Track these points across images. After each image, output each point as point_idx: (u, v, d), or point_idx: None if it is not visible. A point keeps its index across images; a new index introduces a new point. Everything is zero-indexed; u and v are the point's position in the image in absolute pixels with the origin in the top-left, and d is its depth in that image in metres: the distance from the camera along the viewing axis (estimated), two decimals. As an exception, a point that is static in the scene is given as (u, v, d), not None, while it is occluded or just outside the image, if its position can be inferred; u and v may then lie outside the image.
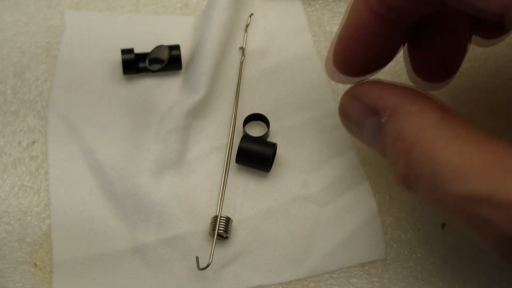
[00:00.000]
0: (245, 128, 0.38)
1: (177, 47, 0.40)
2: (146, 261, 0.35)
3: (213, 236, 0.35)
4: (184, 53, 0.40)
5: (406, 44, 0.33)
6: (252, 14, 0.42)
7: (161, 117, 0.38)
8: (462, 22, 0.33)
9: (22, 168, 0.38)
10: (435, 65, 0.33)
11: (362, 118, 0.31)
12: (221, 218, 0.35)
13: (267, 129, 0.38)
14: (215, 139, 0.38)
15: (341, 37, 0.33)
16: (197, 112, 0.39)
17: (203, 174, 0.37)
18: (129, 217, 0.36)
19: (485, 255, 0.36)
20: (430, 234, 0.37)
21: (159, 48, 0.40)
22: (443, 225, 0.37)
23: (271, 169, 0.37)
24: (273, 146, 0.37)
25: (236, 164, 0.37)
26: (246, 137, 0.37)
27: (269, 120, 0.38)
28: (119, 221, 0.36)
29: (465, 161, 0.25)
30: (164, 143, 0.37)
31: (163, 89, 0.40)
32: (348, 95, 0.33)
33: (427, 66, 0.33)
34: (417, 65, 0.33)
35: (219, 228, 0.35)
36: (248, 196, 0.37)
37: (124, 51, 0.39)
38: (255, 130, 0.39)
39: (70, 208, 0.36)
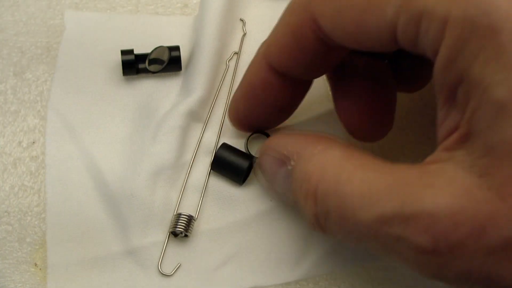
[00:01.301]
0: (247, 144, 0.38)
1: (176, 48, 0.40)
2: (140, 263, 0.35)
3: (173, 235, 0.35)
4: (184, 54, 0.40)
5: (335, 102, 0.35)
6: (244, 21, 0.42)
7: (158, 119, 0.38)
8: (380, 69, 0.34)
9: (22, 168, 0.38)
10: (364, 121, 0.34)
11: (274, 171, 0.32)
12: (183, 216, 0.35)
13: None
14: (211, 142, 0.38)
15: (237, 96, 0.35)
16: (195, 114, 0.39)
17: (200, 176, 0.37)
18: (125, 218, 0.36)
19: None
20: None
21: (158, 49, 0.40)
22: (442, 226, 0.37)
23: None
24: (250, 158, 0.36)
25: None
26: (224, 146, 0.37)
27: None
28: (114, 223, 0.36)
29: (369, 187, 0.25)
30: (160, 144, 0.37)
31: (162, 90, 0.40)
32: (260, 150, 0.34)
33: (356, 123, 0.34)
34: (347, 122, 0.34)
35: (178, 225, 0.35)
36: (243, 197, 0.37)
37: (124, 52, 0.39)
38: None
39: (66, 209, 0.36)
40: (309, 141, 0.30)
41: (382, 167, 0.26)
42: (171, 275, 0.35)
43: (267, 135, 0.37)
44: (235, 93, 0.35)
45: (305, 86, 0.34)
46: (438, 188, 0.23)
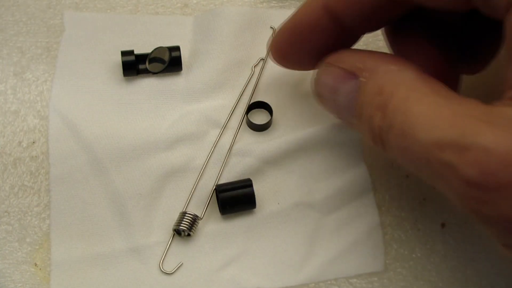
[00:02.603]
0: (248, 115, 0.38)
1: (177, 49, 0.40)
2: (144, 262, 0.35)
3: (176, 233, 0.35)
4: (184, 54, 0.40)
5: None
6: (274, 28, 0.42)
7: (170, 122, 0.39)
8: (443, 33, 0.34)
9: (22, 168, 0.38)
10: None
11: (339, 83, 0.32)
12: (187, 215, 0.35)
13: (270, 117, 0.39)
14: (224, 147, 0.38)
15: (286, 28, 0.34)
16: (210, 119, 0.39)
17: (210, 179, 0.37)
18: (130, 217, 0.36)
19: (485, 255, 0.36)
20: (430, 234, 0.37)
21: (159, 49, 0.40)
22: (443, 225, 0.37)
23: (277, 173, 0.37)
24: (250, 184, 0.36)
25: (240, 165, 0.37)
26: (222, 189, 0.36)
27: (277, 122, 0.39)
28: (119, 221, 0.36)
29: (435, 111, 0.26)
30: (174, 149, 0.38)
31: (164, 91, 0.40)
32: (324, 64, 0.33)
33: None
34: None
35: (182, 224, 0.35)
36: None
37: (124, 53, 0.39)
38: (258, 118, 0.39)
39: (70, 207, 0.36)
40: (384, 59, 0.31)
41: (452, 96, 0.27)
42: (172, 273, 0.35)
43: (270, 112, 0.38)
44: (283, 25, 0.34)
45: (353, 38, 0.34)
46: (498, 126, 0.24)
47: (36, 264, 0.35)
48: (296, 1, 0.43)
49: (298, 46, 0.34)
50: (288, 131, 0.39)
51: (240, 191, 0.36)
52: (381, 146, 0.29)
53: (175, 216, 0.36)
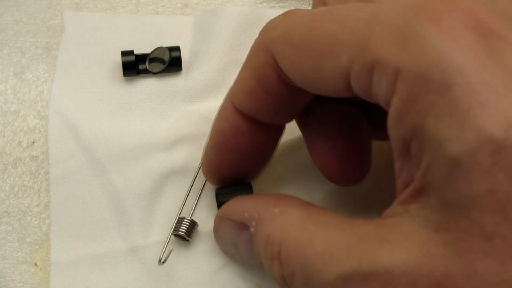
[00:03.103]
0: None
1: (177, 49, 0.40)
2: (143, 262, 0.35)
3: (176, 236, 0.35)
4: (184, 53, 0.40)
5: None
6: None
7: (170, 124, 0.39)
8: (351, 113, 0.33)
9: (22, 168, 0.38)
10: (339, 165, 0.33)
11: (235, 236, 0.31)
12: (186, 220, 0.35)
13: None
14: None
15: (209, 146, 0.34)
16: (207, 120, 0.39)
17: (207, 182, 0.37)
18: (129, 217, 0.36)
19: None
20: (430, 234, 0.37)
21: (159, 49, 0.40)
22: (443, 225, 0.37)
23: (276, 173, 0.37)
24: (250, 188, 0.35)
25: None
26: (221, 192, 0.36)
27: None
28: (119, 221, 0.36)
29: (329, 246, 0.25)
30: (174, 150, 0.38)
31: (164, 90, 0.40)
32: (217, 218, 0.33)
33: (332, 168, 0.33)
34: (322, 167, 0.34)
35: (181, 229, 0.35)
36: None
37: (124, 53, 0.39)
38: None
39: (70, 207, 0.36)
40: (268, 203, 0.30)
41: (341, 223, 0.26)
42: (164, 263, 0.35)
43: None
44: (206, 145, 0.34)
45: (277, 131, 0.34)
46: (394, 243, 0.23)
47: (36, 264, 0.35)
48: (296, 1, 0.43)
49: (228, 157, 0.33)
50: (287, 131, 0.39)
51: (239, 194, 0.35)
52: None
53: (175, 217, 0.36)
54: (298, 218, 0.28)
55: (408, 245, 0.23)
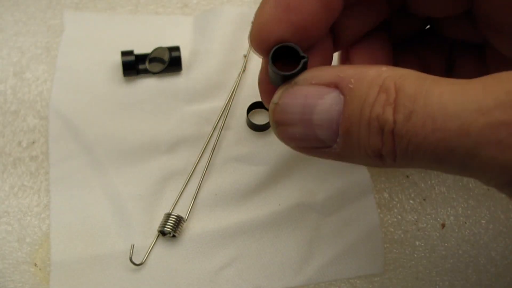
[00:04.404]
0: (248, 116, 0.38)
1: (177, 49, 0.40)
2: (144, 262, 0.35)
3: (161, 234, 0.35)
4: (184, 53, 0.40)
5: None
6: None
7: (170, 126, 0.39)
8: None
9: (22, 168, 0.38)
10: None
11: (315, 99, 0.27)
12: (172, 216, 0.35)
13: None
14: (227, 150, 0.38)
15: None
16: (209, 120, 0.39)
17: (212, 182, 0.38)
18: (130, 218, 0.36)
19: (485, 255, 0.36)
20: (430, 234, 0.37)
21: (159, 49, 0.40)
22: (443, 225, 0.37)
23: (279, 174, 0.37)
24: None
25: (241, 168, 0.37)
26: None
27: None
28: (118, 222, 0.36)
29: (463, 90, 0.23)
30: (174, 153, 0.38)
31: (164, 91, 0.40)
32: (286, 86, 0.28)
33: None
34: None
35: (167, 225, 0.35)
36: (252, 199, 0.37)
37: (124, 53, 0.39)
38: (259, 118, 0.39)
39: (70, 207, 0.36)
40: (365, 66, 0.27)
41: (468, 80, 0.24)
42: (142, 263, 0.35)
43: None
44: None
45: (334, 11, 0.29)
46: None
47: (35, 264, 0.35)
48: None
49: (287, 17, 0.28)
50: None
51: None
52: (389, 153, 0.26)
53: (173, 218, 0.36)
54: (415, 73, 0.25)
55: None
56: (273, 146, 0.38)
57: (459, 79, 0.24)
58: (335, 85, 0.27)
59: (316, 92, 0.27)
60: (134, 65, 0.39)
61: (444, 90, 0.23)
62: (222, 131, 0.39)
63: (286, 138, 0.29)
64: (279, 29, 0.28)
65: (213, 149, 0.38)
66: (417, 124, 0.24)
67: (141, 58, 0.40)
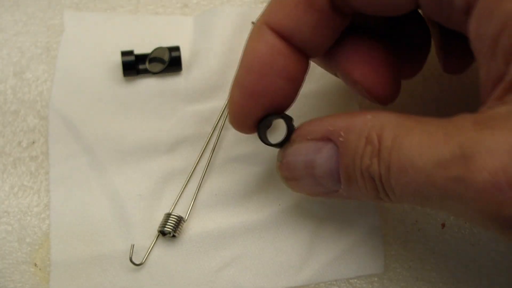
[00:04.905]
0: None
1: (177, 49, 0.40)
2: (144, 263, 0.35)
3: (161, 234, 0.35)
4: (184, 53, 0.40)
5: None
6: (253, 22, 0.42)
7: (170, 126, 0.39)
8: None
9: (22, 168, 0.38)
10: (379, 75, 0.33)
11: (313, 154, 0.30)
12: (172, 216, 0.35)
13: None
14: (227, 150, 0.38)
15: (242, 73, 0.31)
16: (208, 121, 0.39)
17: (212, 182, 0.38)
18: (130, 218, 0.36)
19: (485, 255, 0.36)
20: (430, 234, 0.37)
21: (159, 49, 0.40)
22: (443, 225, 0.37)
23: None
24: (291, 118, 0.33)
25: (241, 168, 0.37)
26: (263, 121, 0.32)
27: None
28: (118, 222, 0.36)
29: (428, 137, 0.25)
30: (174, 152, 0.38)
31: (164, 91, 0.40)
32: (286, 146, 0.32)
33: (372, 79, 0.33)
34: (363, 82, 0.33)
35: (167, 225, 0.35)
36: (252, 199, 0.37)
37: (124, 53, 0.39)
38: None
39: (70, 207, 0.36)
40: (355, 114, 0.29)
41: (438, 120, 0.26)
42: (142, 263, 0.35)
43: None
44: (239, 71, 0.32)
45: (305, 64, 0.32)
46: (495, 128, 0.24)
47: (35, 264, 0.35)
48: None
49: (265, 79, 0.31)
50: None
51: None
52: (385, 196, 0.28)
53: (174, 218, 0.36)
54: (394, 117, 0.27)
55: (509, 125, 0.23)
56: (272, 147, 0.38)
57: (432, 120, 0.26)
58: (328, 138, 0.29)
59: (314, 148, 0.30)
60: (134, 65, 0.39)
61: (413, 142, 0.26)
62: (222, 131, 0.38)
63: (297, 189, 0.33)
64: (253, 114, 0.32)
65: (213, 149, 0.38)
66: (394, 175, 0.27)
67: (141, 58, 0.40)
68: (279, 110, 0.32)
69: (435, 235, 0.37)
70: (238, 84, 0.32)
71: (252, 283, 0.35)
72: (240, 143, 0.38)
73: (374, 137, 0.27)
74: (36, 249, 0.36)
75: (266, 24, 0.30)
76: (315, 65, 0.40)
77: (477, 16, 0.25)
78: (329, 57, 0.34)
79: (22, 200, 0.37)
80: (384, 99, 0.33)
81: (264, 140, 0.32)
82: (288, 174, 0.32)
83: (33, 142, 0.38)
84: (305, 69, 0.32)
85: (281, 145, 0.32)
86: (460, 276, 0.36)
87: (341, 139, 0.29)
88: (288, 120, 0.32)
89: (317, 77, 0.40)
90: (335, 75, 0.36)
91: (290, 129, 0.32)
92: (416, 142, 0.26)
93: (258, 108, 0.32)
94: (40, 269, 0.35)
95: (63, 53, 0.41)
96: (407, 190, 0.27)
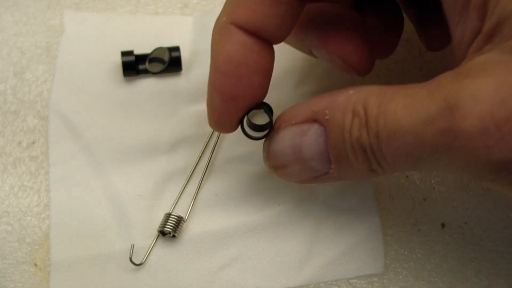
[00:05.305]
0: (248, 116, 0.35)
1: (177, 49, 0.40)
2: (144, 263, 0.35)
3: (161, 234, 0.35)
4: (184, 54, 0.40)
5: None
6: None
7: (170, 126, 0.39)
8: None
9: (22, 168, 0.38)
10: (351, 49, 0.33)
11: (299, 137, 0.30)
12: (172, 216, 0.35)
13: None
14: (227, 150, 0.38)
15: (215, 76, 0.31)
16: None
17: (212, 182, 0.38)
18: (130, 218, 0.36)
19: (485, 255, 0.36)
20: (430, 234, 0.37)
21: (159, 49, 0.40)
22: (443, 225, 0.37)
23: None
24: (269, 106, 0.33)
25: (241, 168, 0.37)
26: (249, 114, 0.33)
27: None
28: (118, 222, 0.36)
29: (411, 99, 0.26)
30: (174, 153, 0.38)
31: (164, 91, 0.40)
32: (270, 135, 0.32)
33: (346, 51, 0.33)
34: (339, 53, 0.34)
35: (167, 225, 0.35)
36: (252, 199, 0.37)
37: (124, 53, 0.39)
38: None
39: (70, 207, 0.36)
40: (336, 92, 0.29)
41: (420, 83, 0.26)
42: (142, 263, 0.35)
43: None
44: (211, 83, 0.32)
45: (272, 50, 0.32)
46: (475, 76, 0.24)
47: (35, 264, 0.35)
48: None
49: (240, 80, 0.31)
50: None
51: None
52: (377, 166, 0.28)
53: (174, 218, 0.36)
54: (377, 88, 0.28)
55: (489, 71, 0.24)
56: None
57: (415, 84, 0.26)
58: (313, 120, 0.29)
59: (299, 131, 0.30)
60: (134, 65, 0.39)
61: (397, 106, 0.26)
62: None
63: (286, 177, 0.32)
64: (236, 115, 0.32)
65: (213, 149, 0.38)
66: (384, 142, 0.27)
67: (141, 58, 0.40)
68: (257, 102, 0.32)
69: (435, 235, 0.37)
70: (216, 89, 0.32)
71: (252, 283, 0.35)
72: (240, 143, 0.38)
73: (359, 108, 0.27)
74: (36, 249, 0.36)
75: (233, 23, 0.30)
76: (315, 65, 0.40)
77: None
78: (301, 34, 0.34)
79: (22, 200, 0.37)
80: (360, 68, 0.33)
81: (251, 136, 0.32)
82: (275, 163, 0.32)
83: (33, 142, 0.38)
84: (273, 57, 0.32)
85: (267, 135, 0.32)
86: (460, 276, 0.36)
87: (326, 117, 0.29)
88: (268, 109, 0.32)
89: (317, 77, 0.40)
90: (309, 53, 0.36)
91: (271, 118, 0.32)
92: (401, 105, 0.26)
93: (240, 109, 0.32)
94: (40, 269, 0.35)
95: (63, 53, 0.41)
96: (399, 155, 0.27)
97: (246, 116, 0.32)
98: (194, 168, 0.38)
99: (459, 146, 0.24)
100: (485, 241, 0.36)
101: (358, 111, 0.27)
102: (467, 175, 0.26)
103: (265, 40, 0.31)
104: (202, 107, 0.39)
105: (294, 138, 0.30)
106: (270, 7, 0.30)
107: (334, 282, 0.35)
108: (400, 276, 0.36)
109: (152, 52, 0.40)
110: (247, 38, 0.30)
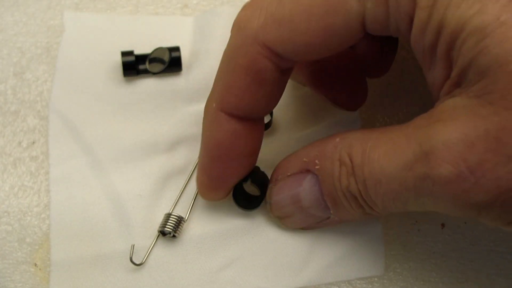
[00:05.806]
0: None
1: (177, 49, 0.40)
2: (144, 263, 0.35)
3: (161, 234, 0.35)
4: (184, 54, 0.40)
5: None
6: None
7: (170, 126, 0.39)
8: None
9: (22, 168, 0.38)
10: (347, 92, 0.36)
11: (296, 188, 0.32)
12: (172, 216, 0.35)
13: (270, 117, 0.37)
14: None
15: (206, 162, 0.33)
16: None
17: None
18: (130, 218, 0.36)
19: (485, 255, 0.36)
20: (430, 234, 0.37)
21: (159, 49, 0.40)
22: (443, 225, 0.37)
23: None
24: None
25: None
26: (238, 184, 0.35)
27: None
28: (118, 222, 0.36)
29: (392, 145, 0.27)
30: (174, 152, 0.38)
31: (164, 91, 0.40)
32: (268, 189, 0.34)
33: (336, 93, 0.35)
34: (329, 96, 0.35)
35: (168, 225, 0.35)
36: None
37: (124, 54, 0.39)
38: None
39: (70, 207, 0.36)
40: (323, 141, 0.31)
41: (400, 126, 0.27)
42: (142, 263, 0.35)
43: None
44: (201, 164, 0.33)
45: (262, 124, 0.34)
46: (446, 120, 0.25)
47: (35, 264, 0.35)
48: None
49: (230, 164, 0.33)
50: (288, 131, 0.39)
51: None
52: (371, 210, 0.30)
53: (174, 218, 0.36)
54: (360, 134, 0.29)
55: (459, 116, 0.24)
56: (273, 146, 0.38)
57: (395, 127, 0.28)
58: (306, 170, 0.31)
59: (295, 182, 0.32)
60: (134, 65, 0.39)
61: (380, 153, 0.27)
62: None
63: (292, 225, 0.35)
64: (224, 190, 0.34)
65: None
66: (372, 189, 0.28)
67: (141, 58, 0.40)
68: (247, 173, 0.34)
69: (435, 235, 0.37)
70: (205, 171, 0.33)
71: (252, 283, 0.35)
72: None
73: (345, 157, 0.29)
74: (36, 249, 0.36)
75: (222, 111, 0.31)
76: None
77: (414, 31, 0.26)
78: (294, 77, 0.36)
79: (22, 200, 0.37)
80: (352, 107, 0.36)
81: (245, 206, 0.35)
82: (279, 213, 0.34)
83: (33, 142, 0.39)
84: (262, 131, 0.34)
85: (258, 204, 0.35)
86: (460, 276, 0.36)
87: (317, 167, 0.31)
88: (259, 181, 0.34)
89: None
90: (300, 83, 0.38)
91: (262, 187, 0.34)
92: (383, 152, 0.27)
93: (228, 186, 0.34)
94: (40, 269, 0.35)
95: (63, 53, 0.41)
96: (387, 200, 0.28)
97: (235, 194, 0.35)
98: (194, 168, 0.37)
99: (438, 191, 0.25)
100: (485, 241, 0.36)
101: (344, 160, 0.29)
102: (454, 215, 0.27)
103: (254, 120, 0.32)
104: (202, 107, 0.39)
105: (291, 189, 0.32)
106: (256, 91, 0.30)
107: (334, 282, 0.35)
108: (400, 276, 0.36)
109: (152, 52, 0.40)
110: (237, 125, 0.31)
